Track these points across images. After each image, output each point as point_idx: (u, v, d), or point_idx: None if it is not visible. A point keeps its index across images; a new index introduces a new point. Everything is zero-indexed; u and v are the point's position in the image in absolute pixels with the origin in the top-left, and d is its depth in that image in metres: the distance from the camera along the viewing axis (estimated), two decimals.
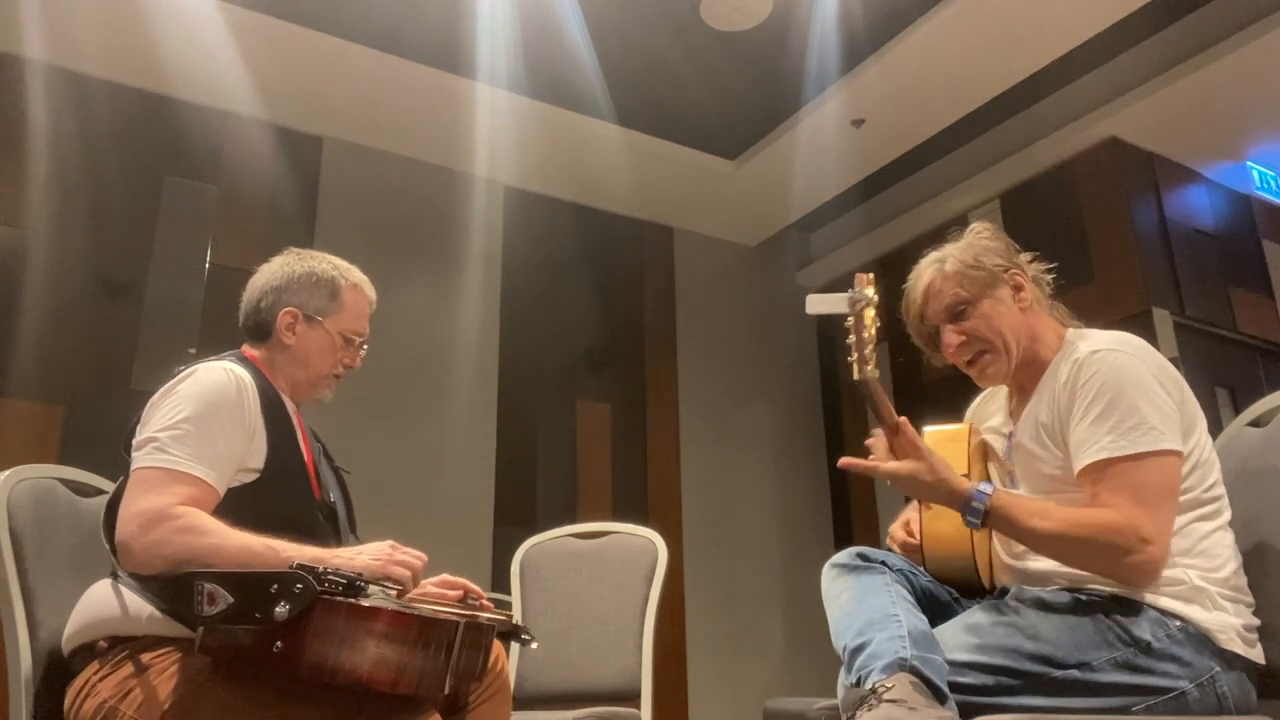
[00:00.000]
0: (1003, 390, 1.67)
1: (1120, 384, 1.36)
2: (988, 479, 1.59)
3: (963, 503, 1.35)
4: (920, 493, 1.41)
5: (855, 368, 1.34)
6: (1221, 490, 1.41)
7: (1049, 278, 1.62)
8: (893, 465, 1.39)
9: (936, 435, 1.61)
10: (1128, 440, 1.32)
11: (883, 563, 1.46)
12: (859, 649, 1.29)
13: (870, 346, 1.34)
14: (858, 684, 1.25)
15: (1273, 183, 4.29)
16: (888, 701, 1.15)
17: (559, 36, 3.53)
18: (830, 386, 5.14)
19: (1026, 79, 3.75)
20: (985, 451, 1.62)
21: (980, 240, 1.57)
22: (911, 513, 1.67)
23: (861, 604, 1.36)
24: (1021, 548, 1.46)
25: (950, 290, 1.53)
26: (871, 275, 1.37)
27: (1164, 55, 3.66)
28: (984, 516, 1.34)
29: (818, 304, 1.38)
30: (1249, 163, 4.18)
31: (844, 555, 1.49)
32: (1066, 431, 1.41)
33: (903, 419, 1.40)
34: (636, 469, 4.45)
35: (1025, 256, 1.62)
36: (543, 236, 4.50)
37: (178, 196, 3.71)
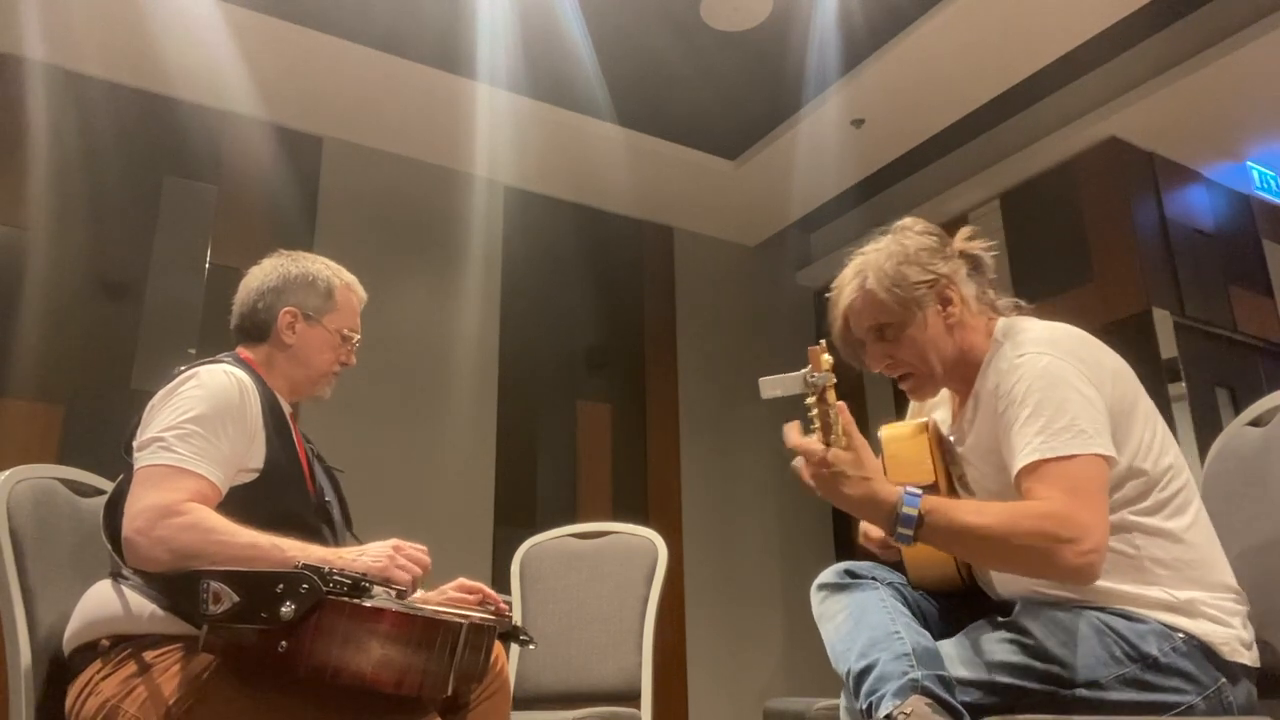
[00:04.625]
0: (944, 399, 1.64)
1: (1045, 387, 1.31)
2: (951, 485, 1.54)
3: (889, 509, 1.25)
4: (843, 486, 1.28)
5: (819, 436, 1.29)
6: (1186, 477, 1.37)
7: (987, 249, 1.52)
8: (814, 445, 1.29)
9: (896, 431, 1.58)
10: (1059, 441, 1.27)
11: (873, 578, 1.42)
12: (864, 671, 1.25)
13: (839, 426, 1.28)
14: (869, 710, 1.21)
15: (1273, 183, 4.30)
16: None
17: (559, 36, 3.53)
18: None
19: (1026, 79, 3.75)
20: (945, 447, 1.57)
21: (906, 245, 1.47)
22: None
23: (860, 623, 1.32)
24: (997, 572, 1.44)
25: (872, 311, 1.46)
26: (824, 344, 1.30)
27: (1164, 55, 3.67)
28: (918, 524, 1.24)
29: (772, 387, 1.31)
30: (1249, 163, 4.19)
31: (831, 574, 1.45)
32: (1002, 441, 1.36)
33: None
34: (636, 469, 4.45)
35: (963, 232, 1.53)
36: (543, 236, 4.50)
37: (178, 196, 3.71)
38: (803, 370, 1.29)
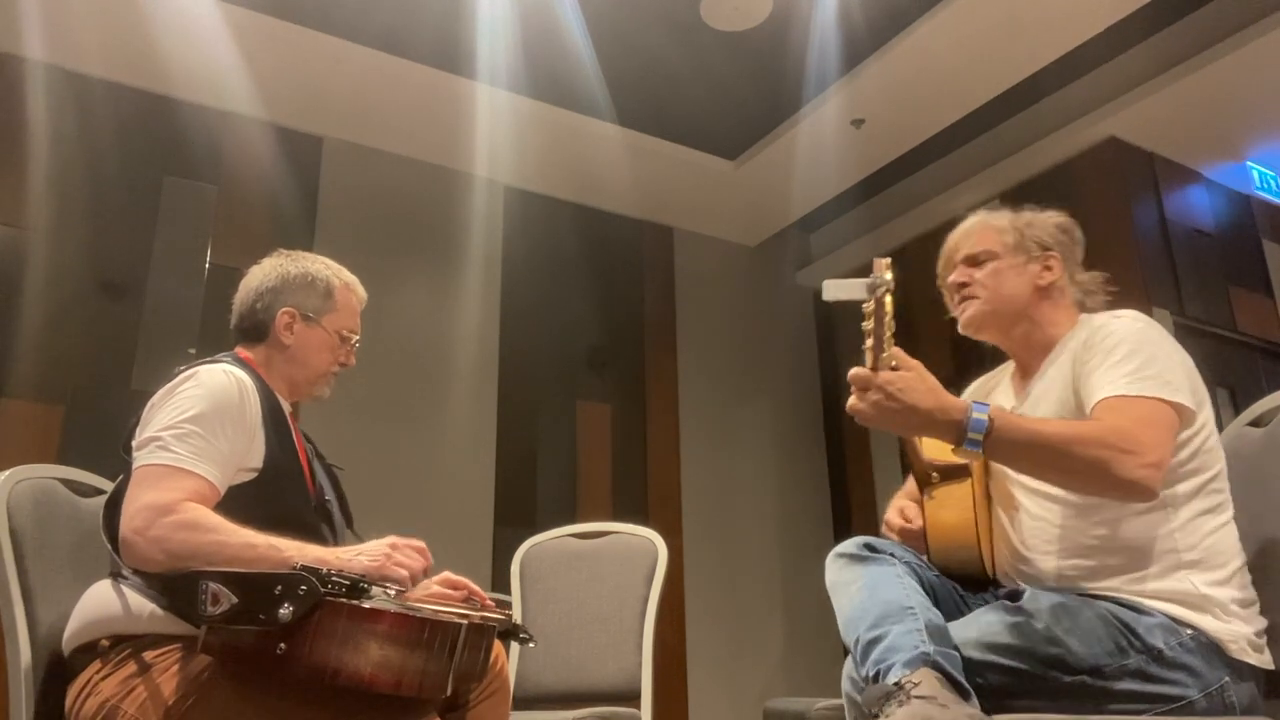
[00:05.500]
0: (1005, 374, 1.68)
1: (1140, 341, 1.38)
2: (986, 465, 1.55)
3: (961, 412, 1.24)
4: (910, 399, 1.24)
5: (869, 356, 1.27)
6: (1226, 484, 1.41)
7: (1098, 290, 1.63)
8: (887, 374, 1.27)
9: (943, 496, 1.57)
10: (1143, 384, 1.32)
11: (891, 554, 1.43)
12: (874, 641, 1.26)
13: (889, 333, 1.27)
14: (875, 677, 1.23)
15: (1273, 183, 4.29)
16: (918, 698, 1.13)
17: (559, 36, 3.53)
18: (830, 386, 5.15)
19: (1026, 79, 3.75)
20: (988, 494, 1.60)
21: (1041, 217, 1.62)
22: (904, 500, 1.66)
23: (874, 595, 1.34)
24: (1026, 547, 1.46)
25: (983, 240, 1.59)
26: (889, 260, 1.29)
27: (1164, 55, 3.66)
28: (987, 427, 1.23)
29: (835, 289, 1.31)
30: (1249, 163, 4.18)
31: (850, 545, 1.47)
32: (1082, 383, 1.41)
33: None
34: (636, 469, 4.45)
35: (1079, 252, 1.63)
36: (543, 236, 4.50)
37: (178, 196, 3.71)
38: (868, 277, 1.28)
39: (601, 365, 4.52)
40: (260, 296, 1.69)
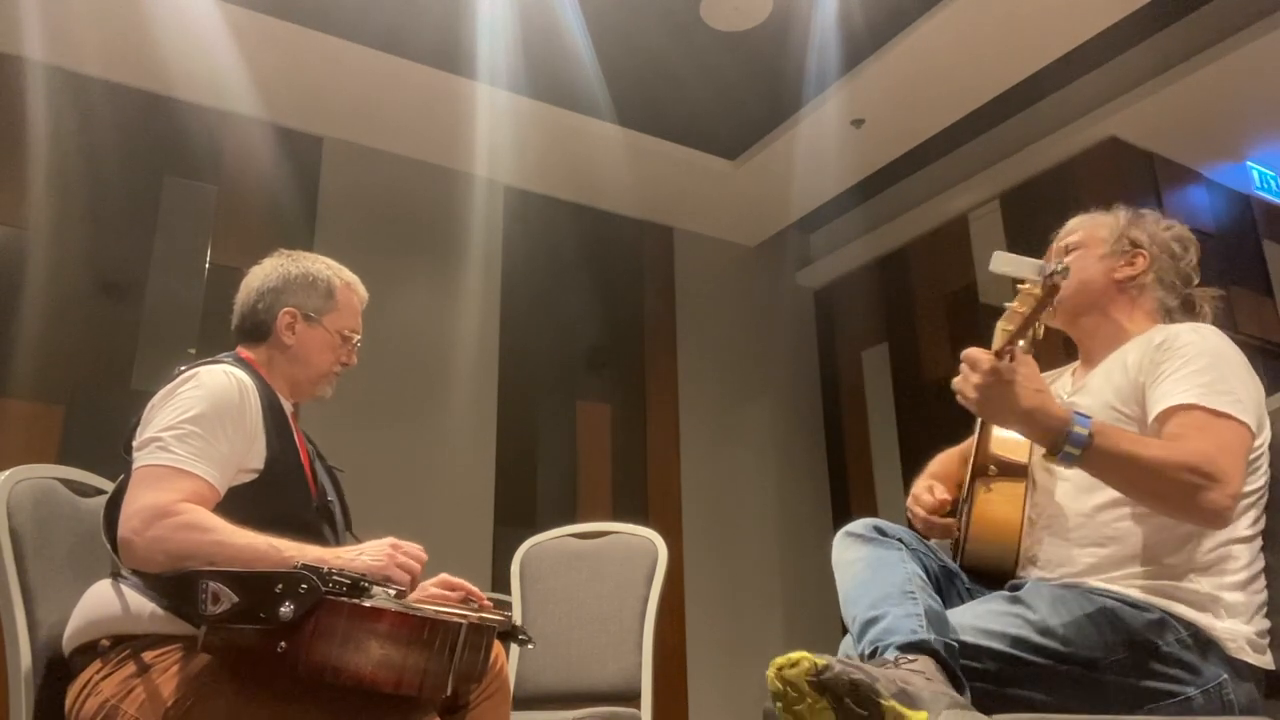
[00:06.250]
0: (1067, 370, 1.69)
1: (1217, 357, 1.37)
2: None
3: (1063, 422, 1.23)
4: (1016, 394, 1.24)
5: (1000, 337, 1.24)
6: (1264, 502, 1.40)
7: (1203, 304, 1.61)
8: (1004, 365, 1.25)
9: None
10: (1218, 398, 1.31)
11: (899, 539, 1.44)
12: (872, 621, 1.27)
13: (1039, 324, 1.22)
14: (871, 655, 1.23)
15: (1273, 183, 4.29)
16: (908, 670, 1.14)
17: (559, 36, 3.53)
18: (830, 386, 5.14)
19: (1026, 79, 3.75)
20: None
21: (1151, 219, 1.64)
22: (932, 480, 1.65)
23: (877, 575, 1.35)
24: (1049, 532, 1.46)
25: (1081, 232, 1.66)
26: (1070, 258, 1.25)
27: (1164, 55, 3.66)
28: (1087, 442, 1.22)
29: (1004, 263, 1.25)
30: (1249, 163, 4.18)
31: (859, 525, 1.47)
32: (1146, 388, 1.39)
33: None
34: (636, 469, 4.45)
35: (1193, 258, 1.62)
36: (543, 236, 4.50)
37: (178, 196, 3.71)
38: (1044, 262, 1.24)
39: (601, 365, 4.52)
40: (262, 296, 1.69)
